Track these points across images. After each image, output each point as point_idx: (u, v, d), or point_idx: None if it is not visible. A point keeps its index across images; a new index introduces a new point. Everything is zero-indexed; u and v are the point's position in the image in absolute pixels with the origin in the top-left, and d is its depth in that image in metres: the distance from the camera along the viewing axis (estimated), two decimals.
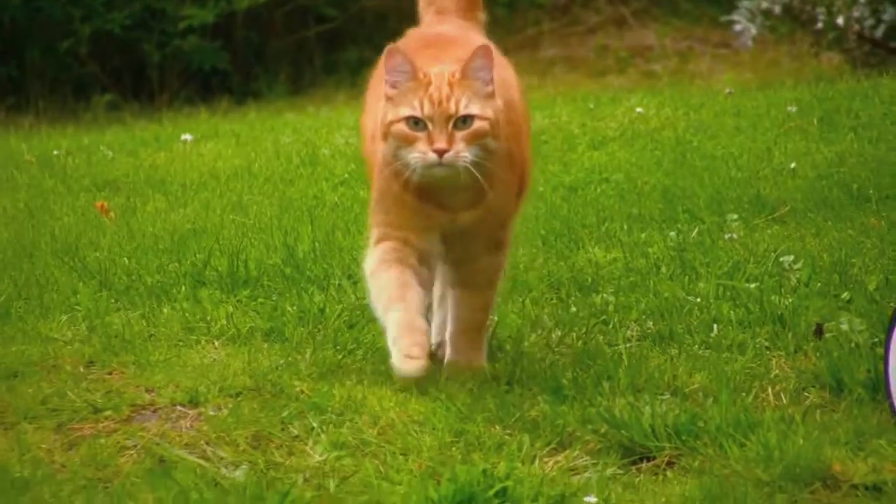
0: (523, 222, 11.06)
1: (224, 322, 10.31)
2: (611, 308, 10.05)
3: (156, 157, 18.63)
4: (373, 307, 5.79)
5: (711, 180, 11.89)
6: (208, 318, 10.62)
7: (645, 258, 10.82)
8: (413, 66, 5.11)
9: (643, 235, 10.91)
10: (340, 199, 14.90)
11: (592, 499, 7.48)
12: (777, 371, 8.87)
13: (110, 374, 9.34)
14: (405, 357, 5.89)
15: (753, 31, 26.47)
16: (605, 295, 10.13)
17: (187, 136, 20.15)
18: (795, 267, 10.05)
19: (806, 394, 8.43)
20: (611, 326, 9.82)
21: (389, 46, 5.26)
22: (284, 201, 14.13)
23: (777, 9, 27.38)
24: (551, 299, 10.42)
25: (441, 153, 4.99)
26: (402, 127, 5.09)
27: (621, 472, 7.90)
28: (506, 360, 8.87)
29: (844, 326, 9.21)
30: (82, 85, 26.35)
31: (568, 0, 31.12)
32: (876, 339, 8.25)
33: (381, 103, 5.29)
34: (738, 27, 26.28)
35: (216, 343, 9.89)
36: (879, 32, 27.83)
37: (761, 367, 8.93)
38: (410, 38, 5.73)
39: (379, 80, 5.48)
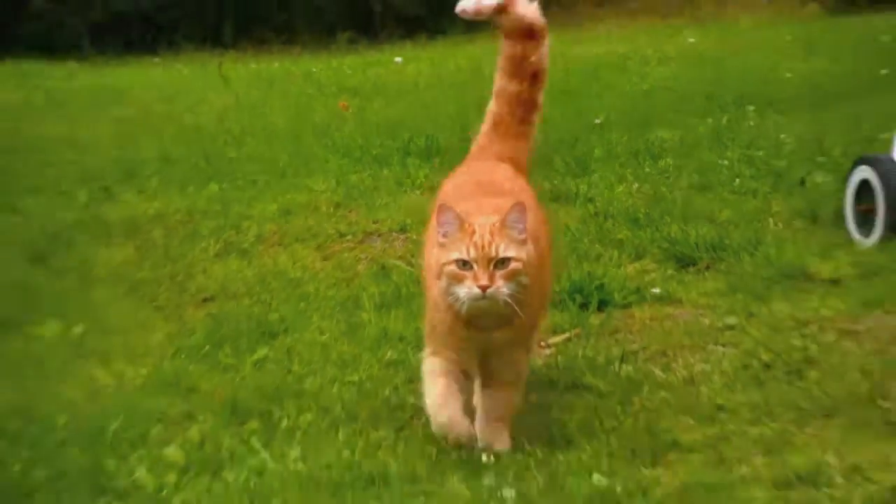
0: (617, 115, 11.13)
1: (423, 179, 10.42)
2: (671, 168, 10.16)
3: (378, 73, 18.43)
4: (424, 397, 5.18)
5: (737, 86, 11.93)
6: (412, 176, 10.75)
7: (694, 135, 10.70)
8: (460, 219, 4.74)
9: (693, 121, 10.98)
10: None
11: (657, 290, 7.68)
12: (776, 208, 8.88)
13: (350, 212, 9.56)
14: (447, 439, 5.18)
15: None
16: (667, 160, 10.24)
17: (398, 59, 20.07)
18: (788, 141, 10.10)
19: (794, 222, 8.44)
20: (671, 180, 9.93)
21: (440, 203, 4.88)
22: (461, 102, 13.99)
23: None
24: (633, 163, 10.50)
25: (484, 289, 4.65)
26: (452, 267, 4.72)
27: (676, 273, 8.10)
28: (603, 202, 9.21)
29: (818, 179, 9.08)
30: (332, 26, 25.42)
31: None
32: (839, 187, 8.28)
33: (435, 249, 4.89)
34: None
35: (418, 192, 10.01)
36: None
37: (766, 205, 9.01)
38: (466, 178, 5.26)
39: (434, 229, 5.05)
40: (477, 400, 4.97)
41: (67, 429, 6.40)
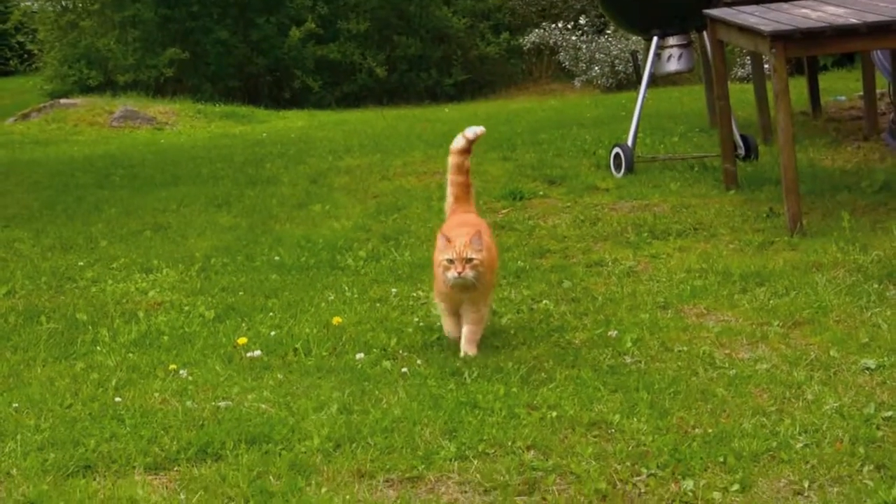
0: (525, 129, 10.58)
1: None
2: (547, 147, 8.86)
3: (453, 113, 15.35)
4: (443, 323, 4.33)
5: (568, 119, 11.42)
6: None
7: (554, 137, 9.58)
8: (449, 240, 4.06)
9: (554, 132, 10.30)
10: None
11: (541, 192, 7.30)
12: (585, 162, 8.22)
13: (428, 164, 8.77)
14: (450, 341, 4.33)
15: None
16: (543, 145, 9.19)
17: (447, 109, 16.09)
18: (588, 139, 9.15)
19: (591, 168, 8.02)
20: (548, 152, 8.79)
21: (440, 233, 4.15)
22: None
23: None
24: (532, 146, 9.22)
25: (459, 274, 4.03)
26: (445, 262, 4.07)
27: (548, 186, 7.55)
28: (521, 161, 8.51)
29: (601, 153, 8.44)
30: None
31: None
32: (607, 155, 8.06)
33: (437, 253, 4.16)
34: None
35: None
36: None
37: (581, 162, 8.31)
38: (451, 222, 4.35)
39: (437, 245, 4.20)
40: (461, 331, 4.23)
41: (321, 244, 6.25)
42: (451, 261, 4.04)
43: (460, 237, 4.06)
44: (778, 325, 4.39)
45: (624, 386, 3.82)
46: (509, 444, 3.39)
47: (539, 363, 4.12)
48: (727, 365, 3.99)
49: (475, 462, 3.31)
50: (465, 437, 3.45)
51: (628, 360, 4.12)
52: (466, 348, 4.16)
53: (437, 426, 3.54)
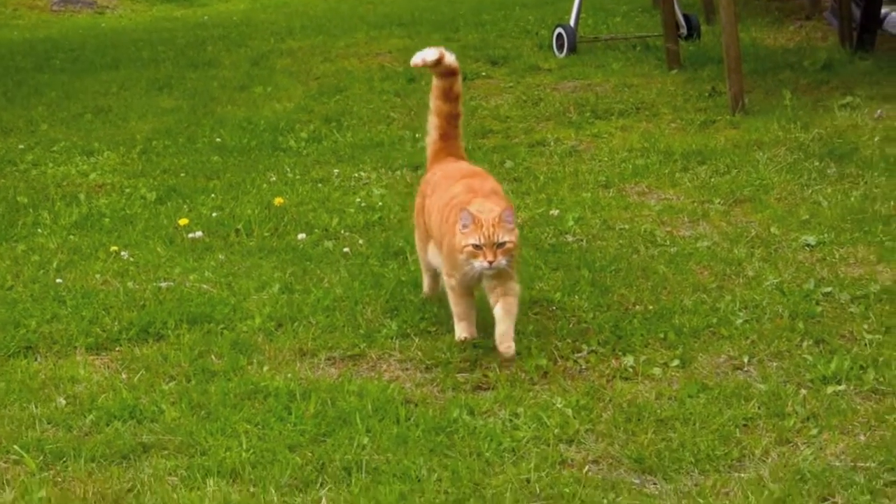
0: (467, 12, 10.39)
1: (397, 36, 9.59)
2: (490, 29, 8.51)
3: None
4: (451, 305, 3.33)
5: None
6: (394, 33, 9.00)
7: (496, 17, 9.36)
8: (475, 217, 3.12)
9: (497, 13, 10.05)
10: None
11: (483, 73, 7.18)
12: (527, 43, 7.96)
13: (371, 45, 8.59)
14: (462, 336, 3.26)
15: None
16: (486, 27, 8.94)
17: None
18: (531, 20, 8.74)
19: (533, 49, 7.86)
20: (490, 34, 8.42)
21: (463, 209, 3.16)
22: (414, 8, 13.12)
23: None
24: (475, 27, 8.77)
25: (490, 263, 3.11)
26: (470, 248, 3.13)
27: (491, 67, 7.33)
28: (464, 41, 8.16)
29: (543, 33, 8.34)
30: None
31: None
32: (549, 35, 7.82)
33: (458, 234, 3.18)
34: None
35: (397, 39, 9.20)
36: None
37: (523, 43, 8.02)
38: (452, 173, 3.43)
39: (425, 189, 3.49)
40: (496, 312, 3.22)
41: (263, 125, 6.06)
42: (478, 246, 3.14)
43: (486, 213, 3.16)
44: (719, 203, 4.35)
45: (565, 264, 3.75)
46: (450, 322, 3.32)
47: None
48: (668, 242, 3.94)
49: (416, 340, 3.26)
50: (407, 316, 3.39)
51: (570, 238, 4.05)
52: (505, 345, 3.16)
53: (379, 305, 3.47)
